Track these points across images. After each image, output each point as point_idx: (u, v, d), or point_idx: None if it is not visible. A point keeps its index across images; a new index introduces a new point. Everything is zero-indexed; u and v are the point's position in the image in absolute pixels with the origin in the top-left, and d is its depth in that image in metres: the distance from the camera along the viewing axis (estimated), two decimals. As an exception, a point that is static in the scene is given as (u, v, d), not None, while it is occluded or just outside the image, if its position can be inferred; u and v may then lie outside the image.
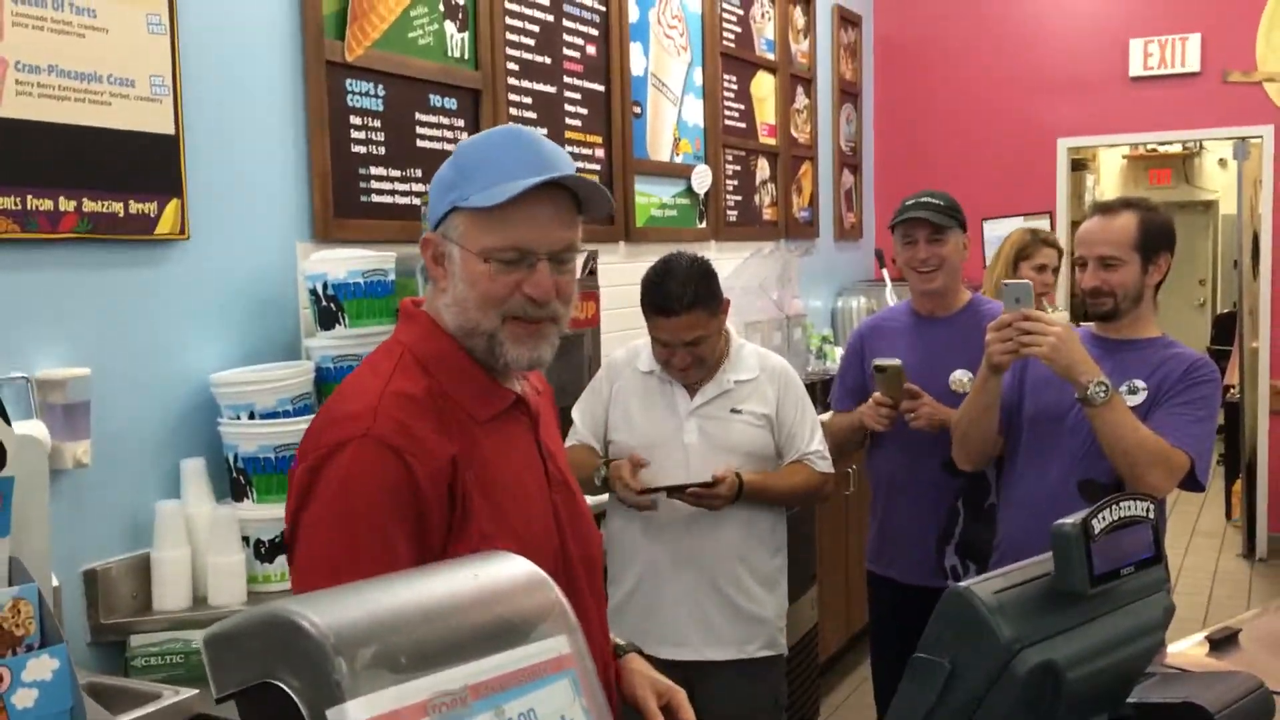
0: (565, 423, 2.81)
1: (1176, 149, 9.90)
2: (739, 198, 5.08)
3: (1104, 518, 1.16)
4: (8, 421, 1.49)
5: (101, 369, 2.26)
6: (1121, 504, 1.18)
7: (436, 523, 1.33)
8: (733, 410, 2.60)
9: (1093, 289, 2.39)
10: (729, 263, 4.80)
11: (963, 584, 1.14)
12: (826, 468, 2.67)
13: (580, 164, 3.91)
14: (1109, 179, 10.28)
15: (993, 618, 1.11)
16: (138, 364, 2.38)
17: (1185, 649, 2.21)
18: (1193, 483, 2.28)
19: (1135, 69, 6.22)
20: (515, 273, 1.38)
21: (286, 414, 2.43)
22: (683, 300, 2.46)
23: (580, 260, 1.49)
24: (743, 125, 5.11)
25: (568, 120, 3.85)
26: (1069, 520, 1.15)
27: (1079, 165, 8.16)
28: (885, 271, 5.56)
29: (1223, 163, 9.84)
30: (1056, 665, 1.11)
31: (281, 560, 2.38)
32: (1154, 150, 9.85)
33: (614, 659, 1.56)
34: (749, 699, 2.59)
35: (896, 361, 2.74)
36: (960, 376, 2.78)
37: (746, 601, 2.60)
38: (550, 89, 3.76)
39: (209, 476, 2.42)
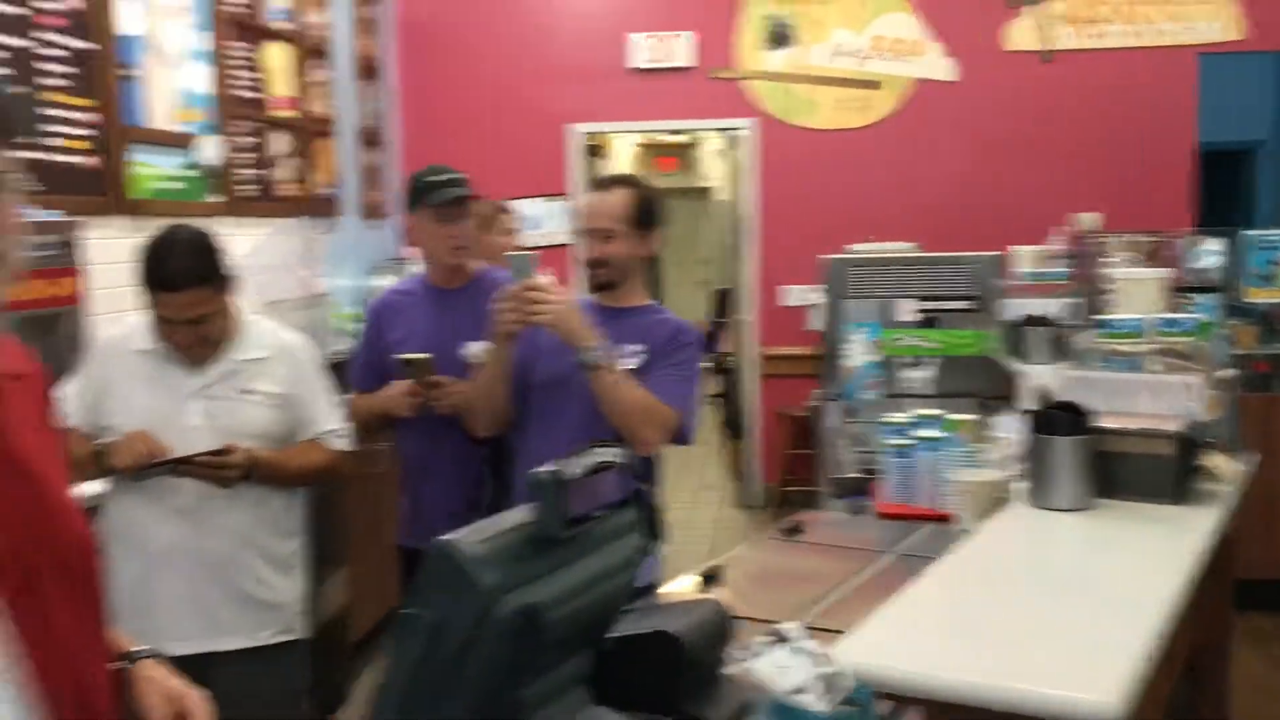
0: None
1: (683, 139, 10.78)
2: (255, 171, 4.85)
3: (577, 464, 1.24)
4: None
5: None
6: (595, 451, 1.27)
7: None
8: (242, 390, 2.48)
9: (593, 260, 2.54)
10: (247, 240, 4.59)
11: (444, 537, 1.17)
12: (345, 445, 2.63)
13: (70, 129, 3.55)
14: (623, 166, 10.98)
15: (473, 567, 1.15)
16: None
17: (679, 588, 2.44)
18: (682, 438, 2.50)
19: (635, 61, 6.68)
20: None
21: None
22: (185, 276, 2.32)
23: (15, 190, 1.26)
24: (256, 96, 4.88)
25: (50, 80, 3.47)
26: (544, 469, 1.22)
27: (596, 151, 8.65)
28: (414, 250, 5.56)
29: (718, 153, 10.83)
30: (536, 607, 1.17)
31: None
32: (660, 140, 10.66)
33: (116, 671, 1.44)
34: (264, 688, 2.50)
35: (425, 356, 2.76)
36: (475, 349, 2.85)
37: (258, 589, 2.50)
38: (23, 42, 3.37)
39: None
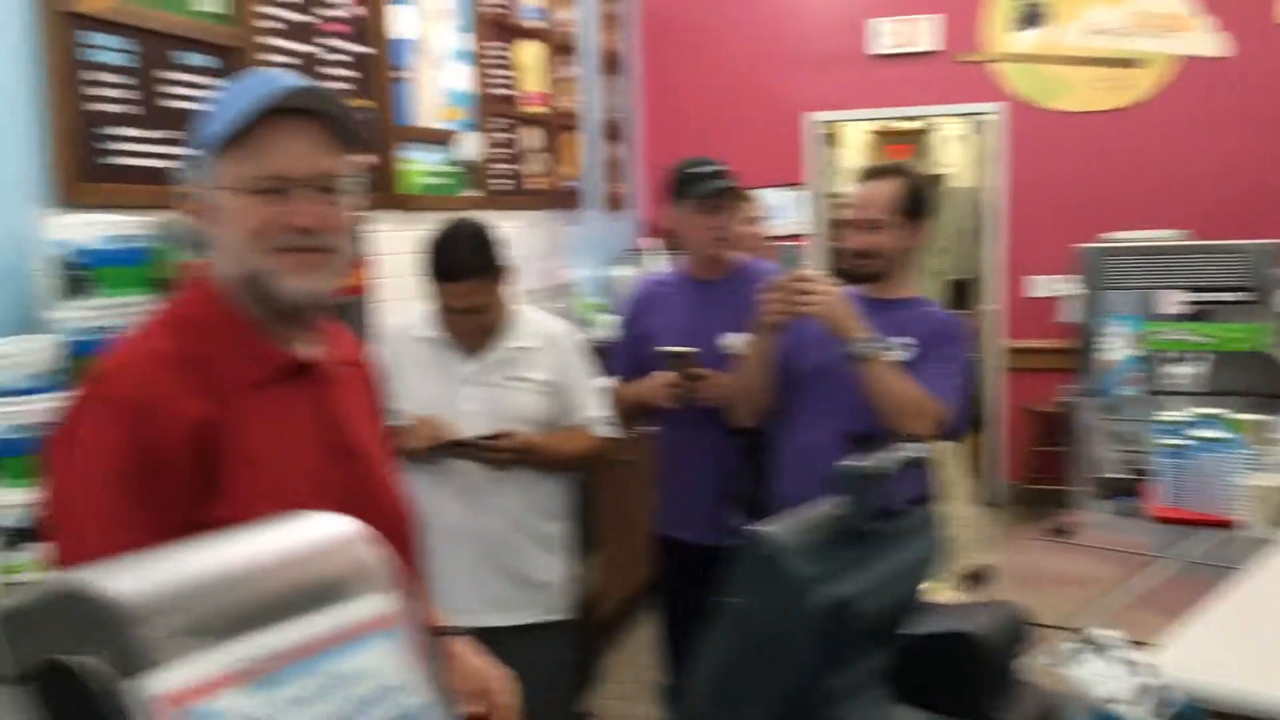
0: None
1: (915, 125, 10.50)
2: (508, 166, 5.04)
3: (885, 459, 1.23)
4: None
5: None
6: (902, 447, 1.25)
7: (175, 487, 1.27)
8: (513, 377, 2.58)
9: (860, 250, 2.51)
10: (500, 232, 4.77)
11: (758, 527, 1.18)
12: (609, 433, 2.70)
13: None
14: (854, 154, 10.80)
15: (785, 558, 1.16)
16: None
17: (937, 588, 2.38)
18: (951, 432, 2.44)
19: (874, 47, 6.56)
20: (276, 203, 1.33)
21: (32, 391, 2.25)
22: (467, 266, 2.43)
23: (351, 193, 1.43)
24: (510, 93, 5.07)
25: (332, 84, 3.71)
26: (854, 461, 1.21)
27: (830, 140, 8.54)
28: (653, 241, 5.66)
29: (955, 139, 10.50)
30: (846, 599, 1.17)
31: (34, 548, 2.21)
32: (894, 127, 10.41)
33: (430, 643, 1.54)
34: (538, 664, 2.59)
35: (689, 349, 2.79)
36: (734, 340, 2.86)
37: (529, 568, 2.60)
38: (311, 49, 3.61)
39: (-55, 462, 2.22)
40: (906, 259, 2.54)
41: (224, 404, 1.31)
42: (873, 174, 2.57)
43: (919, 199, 2.51)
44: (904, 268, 2.54)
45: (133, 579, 0.67)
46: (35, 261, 2.51)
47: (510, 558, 2.58)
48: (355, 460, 1.47)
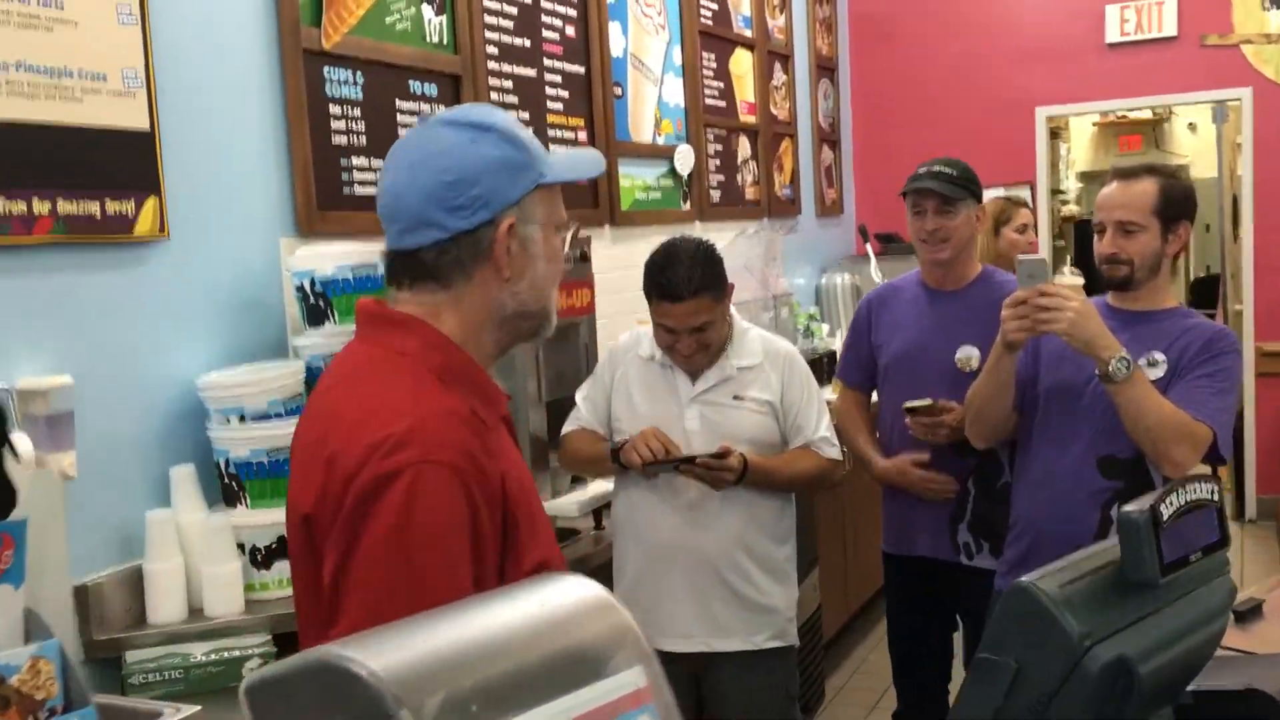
0: (562, 414, 2.74)
1: (1146, 115, 9.89)
2: (721, 177, 5.00)
3: (1171, 503, 1.10)
4: (14, 453, 1.34)
5: (83, 376, 2.17)
6: (1188, 487, 1.13)
7: (492, 547, 1.26)
8: (735, 397, 2.53)
9: (1110, 255, 2.33)
10: (714, 244, 4.74)
11: (1025, 579, 1.08)
12: (835, 454, 2.61)
13: (563, 148, 3.83)
14: (1080, 146, 10.27)
15: (1061, 613, 1.05)
16: (121, 369, 2.29)
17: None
18: (1215, 456, 2.24)
19: (1112, 35, 6.18)
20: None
21: (279, 415, 2.34)
22: (689, 285, 2.40)
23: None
24: (723, 104, 5.03)
25: (549, 104, 3.76)
26: (1134, 507, 1.10)
27: (1053, 134, 8.14)
28: (869, 247, 5.51)
29: (1193, 127, 9.83)
30: (1129, 660, 1.06)
31: (280, 567, 2.30)
32: (1124, 117, 9.83)
33: None
34: (759, 691, 2.54)
35: (928, 401, 2.70)
36: (967, 354, 2.72)
37: (753, 592, 2.53)
38: (530, 72, 3.67)
39: (199, 483, 2.33)
40: (1162, 266, 2.34)
41: (496, 453, 1.31)
42: (1125, 174, 2.38)
43: (1177, 200, 2.31)
44: (1160, 275, 2.35)
45: (391, 653, 0.64)
46: (278, 290, 2.63)
47: (732, 580, 2.52)
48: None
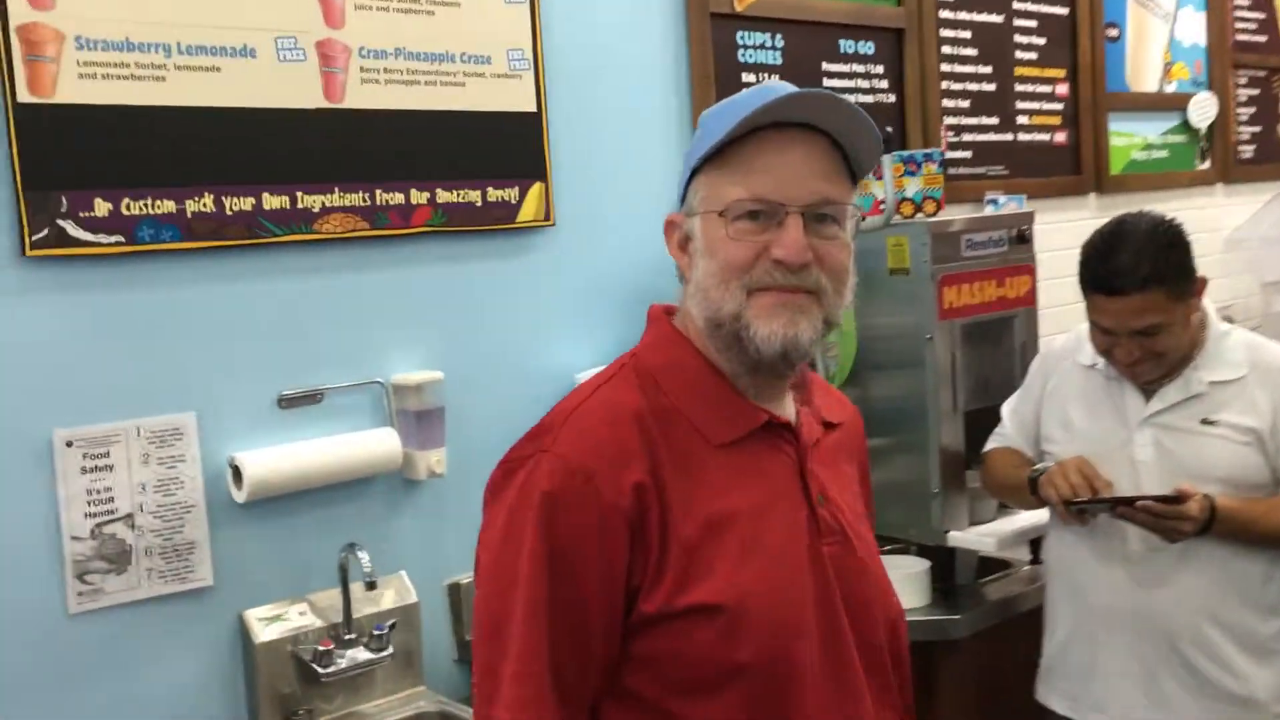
0: (985, 427, 2.31)
1: None
2: (1255, 129, 4.13)
3: None
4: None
5: (456, 371, 2.13)
6: None
7: (616, 558, 1.07)
8: (1204, 421, 1.95)
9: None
10: (1241, 210, 3.93)
11: None
12: (1343, 501, 1.94)
13: (1033, 104, 3.30)
14: None
15: None
16: (496, 364, 2.22)
17: None
18: None
19: None
20: (760, 233, 1.10)
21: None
22: (1133, 276, 1.87)
23: (851, 225, 1.16)
24: (1261, 38, 4.13)
25: (1018, 54, 3.25)
26: None
27: None
28: None
29: None
30: None
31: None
32: None
33: None
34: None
35: None
36: None
37: (1221, 674, 1.95)
38: (996, 18, 3.18)
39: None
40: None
41: (674, 465, 1.10)
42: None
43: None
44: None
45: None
46: (673, 279, 2.44)
47: (1195, 656, 1.96)
48: (845, 541, 1.18)
